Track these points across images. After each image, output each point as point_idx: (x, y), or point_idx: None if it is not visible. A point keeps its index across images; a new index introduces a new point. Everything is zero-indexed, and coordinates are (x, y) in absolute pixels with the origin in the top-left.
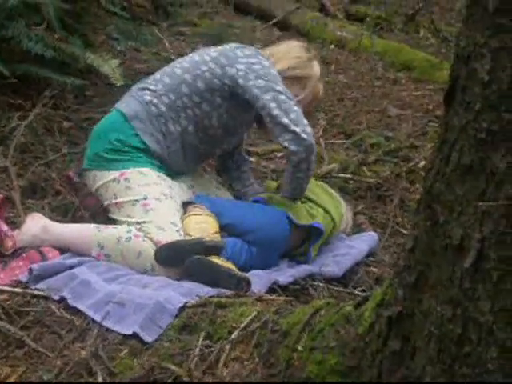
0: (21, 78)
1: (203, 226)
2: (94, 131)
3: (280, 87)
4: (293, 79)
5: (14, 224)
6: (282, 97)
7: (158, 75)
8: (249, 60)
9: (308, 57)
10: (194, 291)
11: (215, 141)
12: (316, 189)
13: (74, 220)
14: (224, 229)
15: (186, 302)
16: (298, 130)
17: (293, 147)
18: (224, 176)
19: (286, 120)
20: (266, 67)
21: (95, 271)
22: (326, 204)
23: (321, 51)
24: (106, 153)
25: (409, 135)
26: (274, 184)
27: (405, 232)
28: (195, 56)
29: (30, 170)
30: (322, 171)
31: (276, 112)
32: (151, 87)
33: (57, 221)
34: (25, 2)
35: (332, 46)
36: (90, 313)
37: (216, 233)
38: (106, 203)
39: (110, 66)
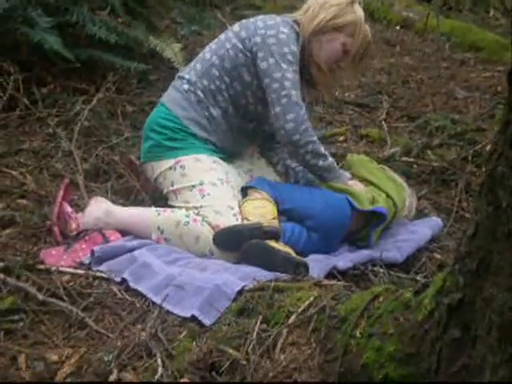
0: (85, 63)
1: (262, 210)
2: (146, 125)
3: (280, 72)
4: (337, 28)
5: (78, 207)
6: (275, 85)
7: (192, 62)
8: (267, 32)
9: (347, 2)
10: (252, 275)
11: (259, 117)
12: (378, 173)
13: (136, 203)
14: (284, 213)
15: (244, 286)
16: (277, 125)
17: (279, 138)
18: (269, 157)
19: (272, 111)
20: (281, 42)
21: (155, 254)
22: (388, 188)
23: (386, 32)
24: (161, 142)
25: (476, 118)
26: None
27: (470, 217)
28: (222, 35)
29: (94, 153)
30: (385, 155)
31: (268, 99)
32: (186, 76)
33: (119, 204)
34: None
35: (397, 27)
36: (150, 295)
37: (274, 218)
38: (164, 191)
39: (172, 50)
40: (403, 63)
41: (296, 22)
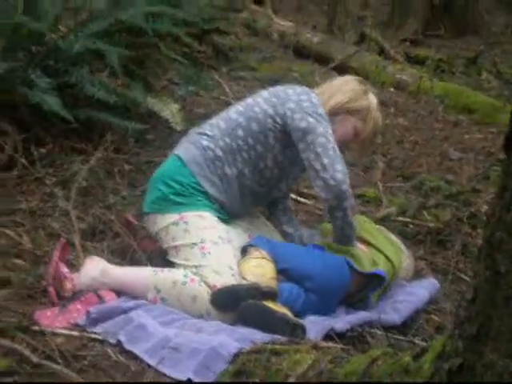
0: (83, 123)
1: (260, 270)
2: (155, 176)
3: (322, 128)
4: (351, 112)
5: (74, 266)
6: (321, 140)
7: (214, 120)
8: (300, 97)
9: (363, 89)
10: (249, 337)
11: (272, 182)
12: (377, 234)
13: (132, 262)
14: (282, 273)
15: (241, 348)
16: (326, 176)
17: (323, 194)
18: (274, 220)
19: (317, 165)
20: (315, 105)
21: (151, 315)
22: (386, 250)
23: (380, 94)
24: (168, 196)
25: (470, 179)
26: (329, 227)
27: (467, 279)
28: (249, 99)
29: (91, 212)
30: (381, 214)
31: (311, 156)
32: (208, 132)
33: (115, 263)
34: (89, 49)
35: (391, 89)
36: (145, 357)
37: (273, 278)
38: (165, 246)
39: (170, 111)
40: (397, 124)
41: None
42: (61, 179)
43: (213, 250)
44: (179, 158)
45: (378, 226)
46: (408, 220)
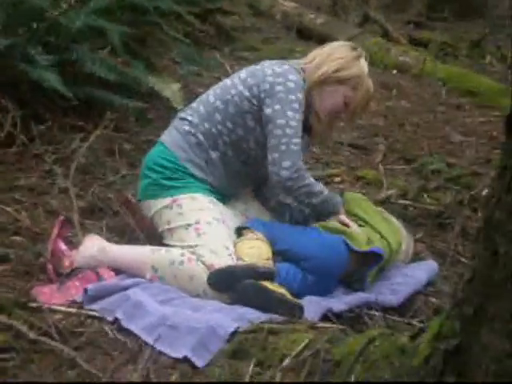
0: (83, 100)
1: (256, 251)
2: (145, 163)
3: (284, 119)
4: (340, 81)
5: (72, 244)
6: (278, 132)
7: (195, 104)
8: (275, 79)
9: (353, 56)
10: (246, 316)
11: (258, 162)
12: (373, 212)
13: (131, 241)
14: (279, 254)
15: (238, 327)
16: (273, 170)
17: (272, 183)
18: (263, 197)
19: (269, 156)
20: (289, 90)
21: (149, 293)
22: (382, 229)
23: (383, 76)
24: (159, 181)
25: (472, 162)
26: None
27: (466, 261)
28: (227, 80)
29: (90, 190)
30: (381, 196)
31: (268, 145)
32: (188, 117)
33: (114, 242)
34: (90, 26)
35: (394, 71)
36: (142, 335)
37: (269, 258)
38: (160, 230)
39: (171, 90)
40: (400, 106)
41: (302, 69)
42: (60, 156)
43: (208, 230)
44: (164, 144)
45: (376, 208)
46: (408, 202)
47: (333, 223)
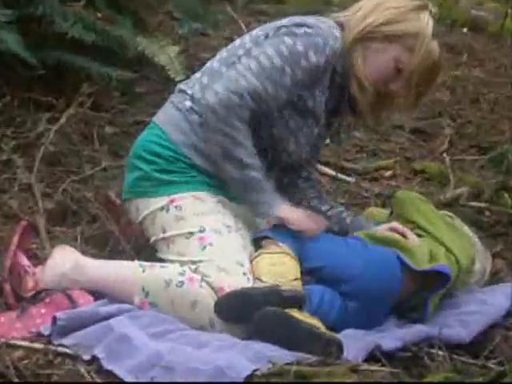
0: (52, 69)
1: (280, 268)
2: (133, 150)
3: (263, 54)
4: (389, 38)
5: (38, 258)
6: (242, 62)
7: (198, 73)
8: (288, 24)
9: (413, 6)
10: (266, 355)
11: (275, 145)
12: (435, 218)
13: (114, 255)
14: (310, 273)
15: (255, 370)
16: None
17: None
18: (294, 193)
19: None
20: (299, 36)
21: (138, 324)
22: (448, 240)
23: (449, 36)
24: (152, 174)
25: None
26: (380, 213)
27: None
28: (237, 40)
29: (61, 188)
30: (446, 197)
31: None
32: (189, 90)
33: (91, 255)
34: None
35: (465, 30)
36: (129, 378)
37: (297, 279)
38: (152, 239)
39: (167, 55)
40: (472, 77)
41: (341, 24)
42: (21, 142)
43: (216, 241)
44: (158, 126)
45: (440, 212)
46: (483, 205)
47: (381, 232)
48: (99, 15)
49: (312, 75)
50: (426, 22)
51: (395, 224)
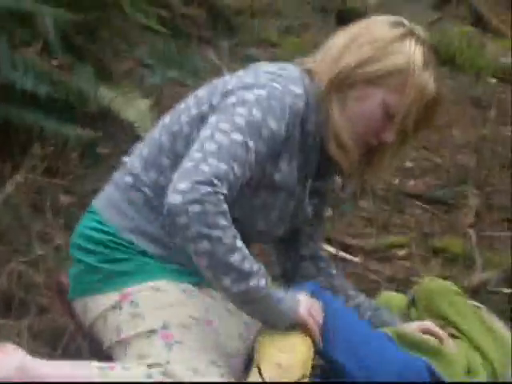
0: None
1: (285, 358)
2: (72, 241)
3: (216, 129)
4: (371, 82)
5: None
6: (195, 146)
7: (144, 141)
8: (235, 91)
9: (393, 35)
10: None
11: (240, 223)
12: (471, 317)
13: (68, 354)
14: (323, 364)
15: None
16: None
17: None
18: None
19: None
20: (252, 103)
21: None
22: (485, 344)
23: (474, 88)
24: (96, 267)
25: None
26: (396, 298)
27: None
28: (182, 102)
29: (5, 271)
30: (473, 282)
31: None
32: (129, 164)
33: (40, 354)
34: (9, 9)
35: (493, 80)
36: None
37: (304, 376)
38: (106, 345)
39: (136, 110)
40: (502, 136)
41: (310, 72)
42: None
43: (183, 338)
44: (95, 209)
45: (474, 306)
46: None
47: (413, 332)
48: (55, 62)
49: (275, 145)
50: (412, 52)
51: (429, 324)
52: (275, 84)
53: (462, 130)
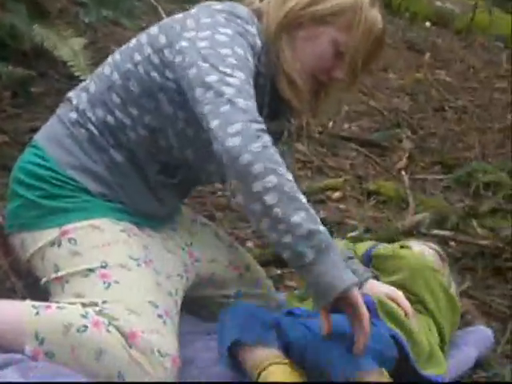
0: None
1: None
2: (12, 174)
3: (221, 74)
4: (320, 21)
5: None
6: (210, 93)
7: (91, 77)
8: (198, 33)
9: None
10: None
11: (190, 166)
12: (437, 288)
13: (1, 293)
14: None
15: None
16: (217, 146)
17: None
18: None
19: (211, 132)
20: (220, 43)
21: (29, 377)
22: (445, 321)
23: (410, 32)
24: (36, 201)
25: None
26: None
27: None
28: (133, 39)
29: None
30: (405, 224)
31: (203, 115)
32: (74, 100)
33: None
34: None
35: (428, 24)
36: None
37: None
38: (43, 280)
39: (70, 49)
40: (436, 80)
41: (258, 12)
42: None
43: (121, 278)
44: (37, 144)
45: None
46: (448, 234)
47: (384, 295)
48: None
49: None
50: None
51: (400, 295)
52: (231, 27)
53: (397, 74)
